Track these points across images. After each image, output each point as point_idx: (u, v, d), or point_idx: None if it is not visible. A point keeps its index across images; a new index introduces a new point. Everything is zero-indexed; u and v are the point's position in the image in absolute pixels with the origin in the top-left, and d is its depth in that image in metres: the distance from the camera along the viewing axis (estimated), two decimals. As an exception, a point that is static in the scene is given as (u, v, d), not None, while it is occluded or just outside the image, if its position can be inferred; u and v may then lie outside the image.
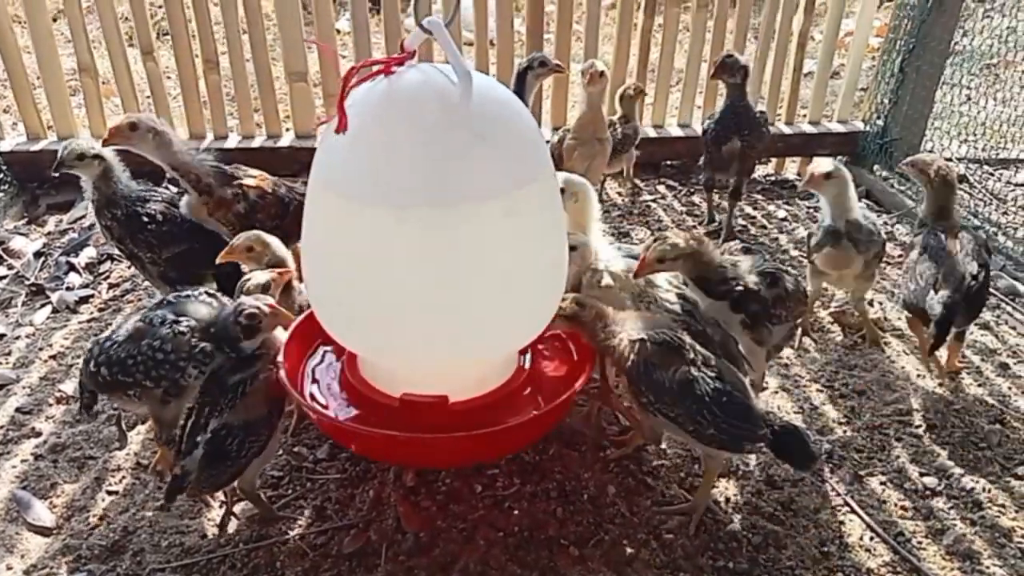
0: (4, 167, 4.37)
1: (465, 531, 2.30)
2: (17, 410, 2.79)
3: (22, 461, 2.58)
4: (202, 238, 2.99)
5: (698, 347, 2.21)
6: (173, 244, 2.97)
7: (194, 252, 2.97)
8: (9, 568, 2.19)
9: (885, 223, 4.57)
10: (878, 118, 5.07)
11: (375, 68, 2.02)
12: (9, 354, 3.12)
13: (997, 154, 5.21)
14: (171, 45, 4.59)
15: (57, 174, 2.96)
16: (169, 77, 5.08)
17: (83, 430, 2.67)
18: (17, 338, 3.23)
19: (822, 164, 3.10)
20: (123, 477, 2.51)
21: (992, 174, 5.19)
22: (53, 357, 3.08)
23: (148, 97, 4.73)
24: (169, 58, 4.89)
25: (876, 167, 5.09)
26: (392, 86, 1.99)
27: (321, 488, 2.46)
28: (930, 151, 5.18)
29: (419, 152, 1.95)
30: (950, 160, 5.16)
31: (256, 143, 4.73)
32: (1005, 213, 4.61)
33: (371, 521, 2.33)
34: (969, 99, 5.09)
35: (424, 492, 2.41)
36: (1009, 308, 3.60)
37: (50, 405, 2.82)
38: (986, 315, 3.52)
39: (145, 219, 2.92)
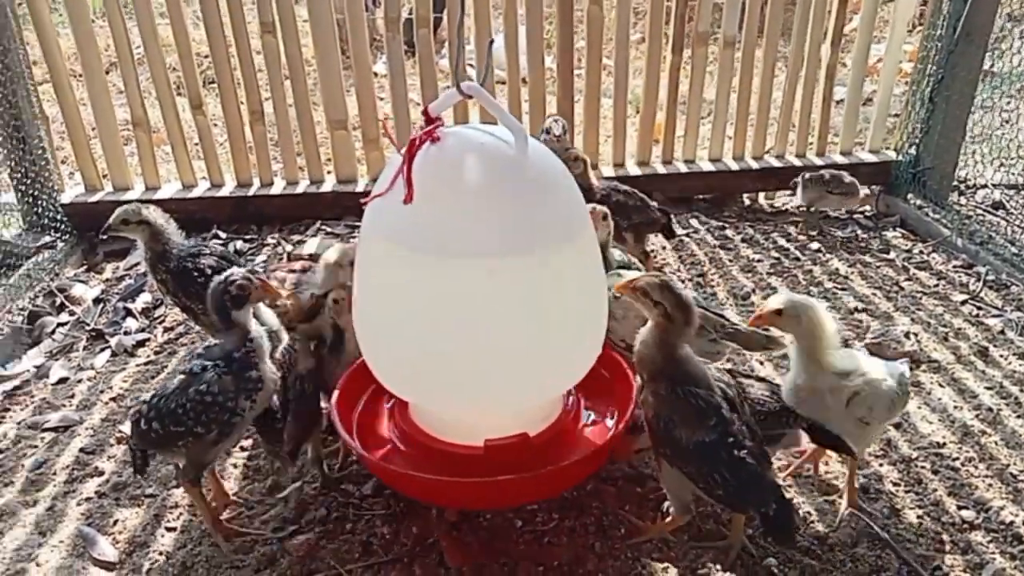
0: (65, 218, 4.60)
1: (507, 566, 2.37)
2: (81, 450, 2.95)
3: (86, 499, 2.72)
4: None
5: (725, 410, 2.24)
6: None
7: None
8: (77, 602, 2.32)
9: (921, 251, 4.59)
10: (910, 147, 5.11)
11: (422, 136, 2.11)
12: (72, 396, 3.29)
13: (1036, 179, 5.21)
14: (217, 93, 4.82)
15: (106, 236, 3.16)
16: (216, 124, 5.31)
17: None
18: (79, 381, 3.41)
19: (773, 299, 2.46)
20: (180, 514, 2.64)
21: (1031, 200, 5.17)
22: (113, 399, 3.24)
23: (197, 144, 4.96)
24: (216, 106, 5.12)
25: (910, 196, 5.10)
26: (444, 151, 2.08)
27: (367, 524, 2.56)
28: (964, 179, 5.21)
29: (482, 207, 2.08)
30: (985, 187, 5.18)
31: (300, 188, 4.92)
32: (1044, 239, 4.58)
33: (415, 556, 2.42)
34: (1007, 122, 5.10)
35: (466, 528, 2.50)
36: (1048, 339, 3.60)
37: (111, 445, 2.97)
38: (1025, 345, 3.53)
39: (195, 273, 3.06)
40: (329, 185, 4.96)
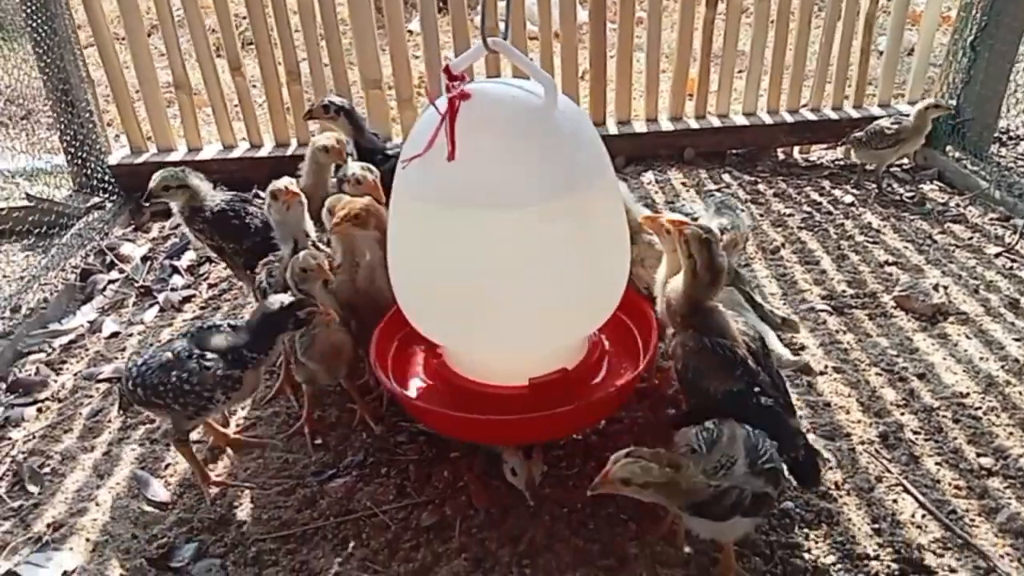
0: (112, 179, 4.78)
1: (532, 507, 2.49)
2: (134, 400, 3.13)
3: (140, 445, 2.90)
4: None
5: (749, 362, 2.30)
6: (252, 235, 3.29)
7: (266, 243, 3.24)
8: (134, 537, 2.50)
9: (957, 204, 4.54)
10: (951, 97, 5.00)
11: (449, 95, 2.16)
12: (124, 349, 3.48)
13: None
14: (255, 54, 4.91)
15: (148, 203, 3.36)
16: (254, 86, 5.41)
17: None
18: (130, 335, 3.59)
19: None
20: (224, 458, 2.81)
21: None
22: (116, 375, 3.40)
23: (236, 106, 5.07)
24: (254, 67, 5.21)
25: (949, 148, 5.01)
26: (476, 107, 2.13)
27: (401, 469, 2.69)
28: (1007, 130, 5.10)
29: (520, 158, 2.15)
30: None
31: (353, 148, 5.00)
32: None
33: (446, 498, 2.55)
34: None
35: (494, 472, 2.62)
36: (1083, 291, 3.56)
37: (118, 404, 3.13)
38: (1057, 300, 3.51)
39: (230, 214, 3.28)
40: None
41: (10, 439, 2.95)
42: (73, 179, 4.74)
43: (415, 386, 2.70)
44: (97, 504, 2.63)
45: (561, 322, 2.39)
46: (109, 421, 3.02)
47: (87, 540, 2.49)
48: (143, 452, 2.86)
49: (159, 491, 2.68)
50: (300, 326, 2.53)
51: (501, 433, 2.53)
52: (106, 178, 4.78)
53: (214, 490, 2.65)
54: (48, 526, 2.55)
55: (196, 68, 4.88)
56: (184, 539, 2.48)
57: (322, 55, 4.85)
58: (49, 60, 4.39)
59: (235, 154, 4.99)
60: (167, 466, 2.79)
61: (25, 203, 4.45)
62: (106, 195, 4.73)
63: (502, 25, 2.51)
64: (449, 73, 2.16)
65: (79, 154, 4.64)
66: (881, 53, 5.47)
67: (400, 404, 2.77)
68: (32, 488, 2.72)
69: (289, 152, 4.99)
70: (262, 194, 4.69)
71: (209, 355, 2.47)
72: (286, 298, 2.53)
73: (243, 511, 2.58)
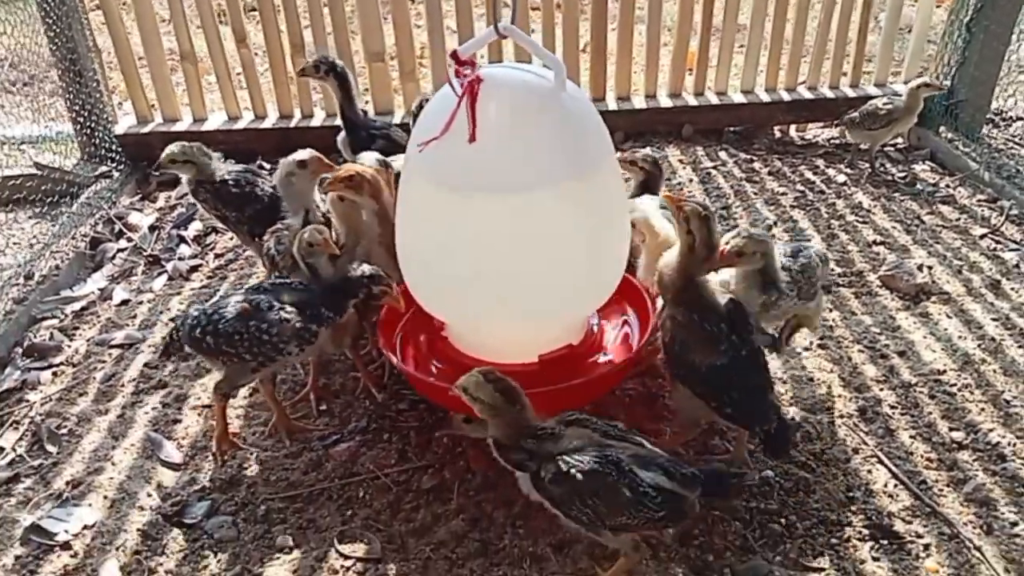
0: (119, 149, 4.86)
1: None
2: (145, 365, 3.25)
3: (153, 408, 3.03)
4: (274, 199, 3.38)
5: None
6: (252, 203, 3.40)
7: (269, 210, 3.36)
8: (149, 496, 2.64)
9: (947, 185, 4.64)
10: (945, 78, 5.07)
11: (466, 80, 2.23)
12: (134, 317, 3.60)
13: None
14: (259, 22, 4.95)
15: (158, 173, 3.40)
16: (257, 54, 5.45)
17: (203, 383, 3.10)
18: (140, 303, 3.71)
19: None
20: (237, 420, 2.94)
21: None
22: (172, 319, 3.53)
23: (239, 74, 5.14)
24: (257, 34, 5.23)
25: (942, 129, 5.10)
26: (491, 91, 2.22)
27: (403, 434, 2.83)
28: (1000, 111, 5.19)
29: (519, 141, 2.25)
30: (1021, 118, 5.15)
31: (339, 120, 5.08)
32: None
33: (445, 463, 2.69)
34: None
35: (491, 439, 2.75)
36: (1065, 272, 3.68)
37: (173, 361, 3.26)
38: (1039, 280, 3.63)
39: (231, 184, 3.39)
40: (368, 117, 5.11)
41: (28, 401, 3.08)
42: (81, 148, 4.83)
43: (425, 365, 2.83)
44: (113, 464, 2.77)
45: (567, 300, 2.51)
46: (122, 385, 3.15)
47: (105, 497, 2.63)
48: (156, 415, 2.99)
49: (172, 452, 2.82)
50: (370, 298, 2.63)
51: None
52: (113, 147, 4.86)
53: (226, 450, 2.78)
54: (67, 483, 2.68)
55: (200, 37, 4.94)
56: (197, 497, 2.62)
57: (326, 27, 4.90)
58: (57, 30, 4.45)
59: (240, 125, 5.07)
60: (180, 429, 2.93)
61: (32, 171, 4.53)
62: (113, 164, 4.82)
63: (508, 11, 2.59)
64: (457, 58, 2.25)
65: (87, 124, 4.73)
66: (880, 29, 5.51)
67: (412, 384, 2.89)
68: (51, 448, 2.85)
69: (293, 123, 5.07)
70: (266, 165, 4.84)
71: (288, 308, 2.59)
72: (369, 269, 2.63)
73: (252, 472, 2.72)
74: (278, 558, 2.39)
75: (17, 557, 2.41)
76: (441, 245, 2.44)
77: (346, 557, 2.38)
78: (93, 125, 4.76)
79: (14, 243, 4.16)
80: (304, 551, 2.41)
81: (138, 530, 2.50)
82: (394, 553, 2.39)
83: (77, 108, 4.66)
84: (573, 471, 2.06)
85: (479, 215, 2.32)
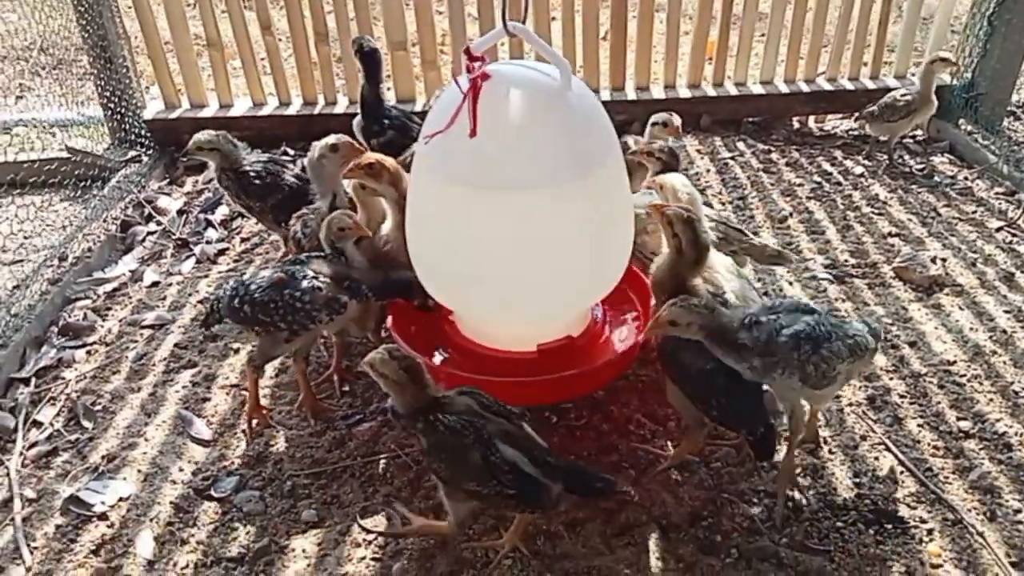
0: (148, 134, 4.98)
1: (542, 454, 2.72)
2: (176, 345, 3.37)
3: (183, 387, 3.14)
4: (295, 189, 3.52)
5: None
6: (274, 194, 3.52)
7: (290, 199, 3.48)
8: (181, 470, 2.76)
9: (966, 178, 4.66)
10: (966, 71, 5.07)
11: (472, 76, 2.30)
12: (164, 299, 3.71)
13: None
14: (282, 6, 5.03)
15: (186, 159, 3.62)
16: (281, 39, 5.52)
17: (230, 363, 3.21)
18: (169, 285, 3.82)
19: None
20: (264, 399, 3.05)
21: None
22: (200, 301, 3.65)
23: (263, 59, 5.23)
24: (281, 19, 5.30)
25: (962, 121, 5.10)
26: (496, 88, 2.29)
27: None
28: (1021, 104, 5.19)
29: (524, 139, 2.33)
30: None
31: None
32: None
33: (464, 443, 2.78)
34: None
35: (508, 421, 2.84)
36: (1078, 264, 3.71)
37: (202, 341, 3.38)
38: (1051, 273, 3.66)
39: (252, 175, 3.51)
40: (390, 103, 5.19)
41: (64, 379, 3.21)
42: (111, 133, 4.95)
43: (436, 353, 2.93)
44: (146, 439, 2.89)
45: (570, 293, 2.59)
46: (153, 364, 3.27)
47: (138, 471, 2.74)
48: (186, 394, 3.11)
49: (202, 429, 2.93)
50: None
51: (516, 394, 2.75)
52: (142, 132, 4.98)
53: (255, 425, 2.89)
54: (103, 457, 2.81)
55: (226, 21, 5.02)
56: (225, 473, 2.74)
57: (348, 14, 4.98)
58: (89, 18, 4.56)
59: (265, 111, 5.17)
60: (209, 407, 3.04)
61: (63, 154, 4.65)
62: (142, 149, 4.94)
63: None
64: (469, 54, 2.31)
65: (117, 109, 4.84)
66: (903, 18, 5.51)
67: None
68: (86, 424, 2.97)
69: (317, 110, 5.16)
70: (291, 151, 4.94)
71: (321, 277, 2.71)
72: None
73: (278, 450, 2.83)
74: (303, 531, 2.50)
75: (58, 526, 2.54)
76: (447, 239, 2.52)
77: (368, 531, 2.48)
78: (123, 111, 4.88)
79: (47, 225, 4.29)
80: (328, 525, 2.52)
81: (171, 503, 2.62)
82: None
83: (108, 94, 4.78)
84: (438, 424, 2.21)
85: (484, 211, 2.39)
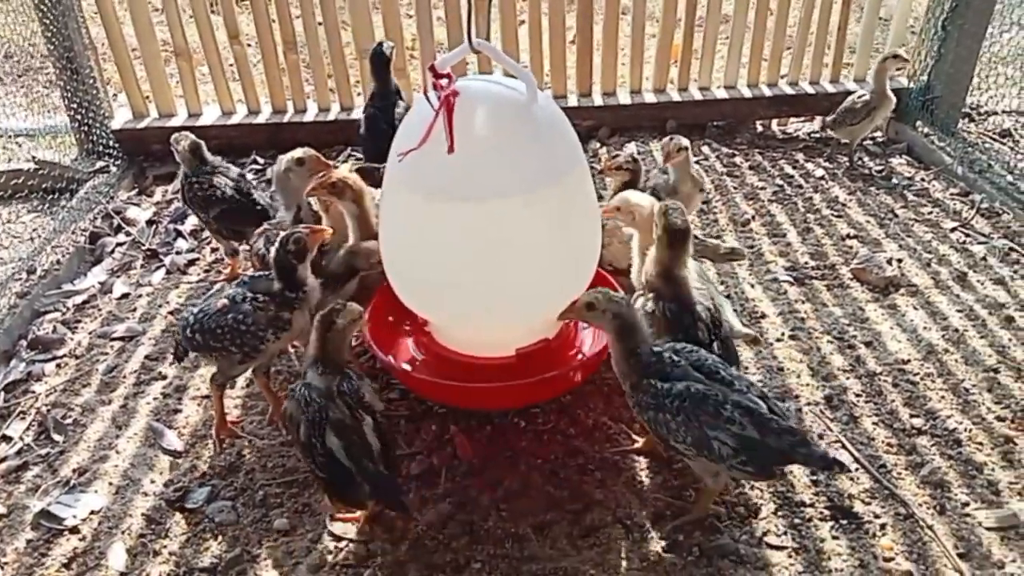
0: (116, 144, 4.97)
1: (510, 458, 2.78)
2: (146, 357, 3.39)
3: (154, 399, 3.16)
4: (236, 203, 3.61)
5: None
6: (214, 205, 3.61)
7: (231, 212, 3.59)
8: (152, 482, 2.78)
9: (922, 179, 4.79)
10: (922, 74, 5.21)
11: (443, 93, 2.34)
12: (135, 310, 3.72)
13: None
14: (250, 12, 5.04)
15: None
16: (250, 45, 5.52)
17: (201, 374, 3.24)
18: (139, 296, 3.83)
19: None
20: (235, 409, 3.08)
21: (1041, 127, 5.29)
22: (171, 312, 3.67)
23: (231, 65, 5.24)
24: (248, 24, 5.29)
25: (919, 124, 5.24)
26: (466, 104, 2.34)
27: (393, 423, 2.97)
28: (977, 106, 5.34)
29: (495, 151, 2.39)
30: (996, 113, 5.31)
31: (331, 116, 5.21)
32: (1044, 167, 4.73)
33: (433, 450, 2.83)
34: None
35: (476, 427, 2.90)
36: (1028, 263, 3.84)
37: (172, 353, 3.39)
38: (1003, 270, 3.78)
39: (195, 186, 3.62)
40: (359, 112, 5.22)
41: (34, 392, 3.22)
42: (78, 144, 4.94)
43: (410, 361, 2.99)
44: (117, 452, 2.91)
45: (542, 298, 2.65)
46: (124, 377, 3.29)
47: (110, 484, 2.77)
48: (157, 406, 3.13)
49: (174, 441, 2.96)
50: (302, 256, 2.73)
51: (498, 399, 2.84)
52: (110, 143, 4.97)
53: (225, 438, 2.92)
54: (74, 471, 2.82)
55: (192, 27, 5.02)
56: (198, 484, 2.77)
57: (317, 20, 5.01)
58: (55, 29, 4.55)
59: (234, 120, 5.18)
60: (180, 418, 3.06)
61: (30, 165, 4.64)
62: (110, 159, 4.94)
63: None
64: (435, 71, 2.36)
65: (84, 120, 4.83)
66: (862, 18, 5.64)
67: (401, 379, 3.04)
68: (57, 437, 2.99)
69: (286, 119, 5.19)
70: (260, 160, 4.96)
71: (261, 297, 2.73)
72: (286, 235, 2.73)
73: (250, 460, 2.86)
74: (276, 540, 2.54)
75: (28, 540, 2.55)
76: (421, 250, 2.58)
77: (339, 539, 2.52)
78: (90, 121, 4.87)
79: (14, 237, 4.28)
80: (300, 533, 2.56)
81: (143, 515, 2.65)
82: (385, 535, 2.53)
83: (75, 105, 4.77)
84: (298, 387, 2.44)
85: (456, 221, 2.45)
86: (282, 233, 2.76)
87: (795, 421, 2.89)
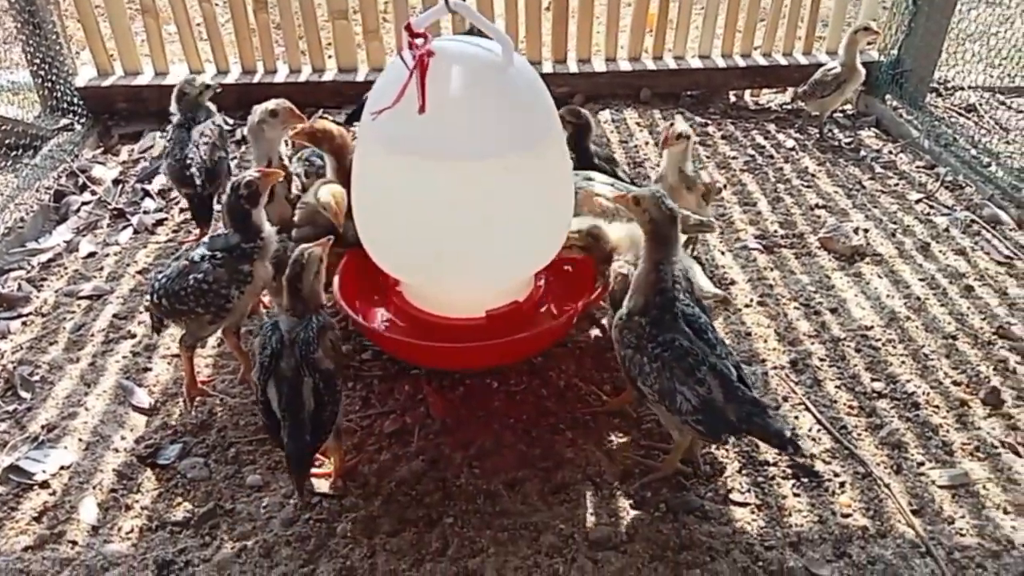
0: (80, 101, 4.86)
1: (483, 417, 2.82)
2: (114, 316, 3.35)
3: (123, 357, 3.14)
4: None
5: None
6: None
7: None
8: (123, 439, 2.78)
9: (890, 152, 4.87)
10: (892, 48, 5.27)
11: (418, 52, 2.33)
12: (102, 269, 3.68)
13: (1012, 82, 5.42)
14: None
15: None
16: (218, 4, 5.42)
17: (169, 333, 3.21)
18: (106, 256, 3.78)
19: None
20: (207, 368, 3.07)
21: (1004, 103, 5.40)
22: (139, 272, 3.63)
23: (199, 24, 5.14)
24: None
25: (888, 97, 5.31)
26: (441, 64, 2.32)
27: (367, 383, 2.99)
28: (945, 81, 5.43)
29: (470, 112, 2.39)
30: (963, 89, 5.40)
31: (303, 77, 5.14)
32: (1007, 142, 4.84)
33: (406, 409, 2.86)
34: (1007, 20, 5.24)
35: (449, 386, 2.93)
36: (988, 235, 3.94)
37: (140, 312, 3.37)
38: (964, 241, 3.88)
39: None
40: (331, 74, 5.18)
41: (-1, 350, 3.18)
42: (41, 101, 4.82)
43: (381, 321, 2.99)
44: (87, 409, 2.89)
45: (516, 260, 2.68)
46: (92, 335, 3.26)
47: (80, 440, 2.75)
48: (126, 363, 3.11)
49: (143, 398, 2.95)
50: (255, 200, 2.68)
51: (468, 359, 2.85)
52: (74, 100, 4.86)
53: (195, 398, 2.91)
54: (42, 427, 2.80)
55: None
56: (169, 441, 2.77)
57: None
58: (16, -20, 4.41)
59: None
60: (150, 376, 3.05)
61: (-8, 122, 4.53)
62: (75, 117, 4.83)
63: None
64: (411, 30, 2.35)
65: (48, 76, 4.71)
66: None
67: (374, 340, 3.04)
68: (24, 394, 2.96)
69: (256, 79, 5.11)
70: (229, 120, 4.88)
71: (219, 255, 2.69)
72: (237, 178, 2.70)
73: (222, 418, 2.86)
74: (248, 495, 2.56)
75: (-3, 495, 2.54)
76: (394, 209, 2.58)
77: (313, 494, 2.55)
78: (53, 78, 4.75)
79: (-25, 194, 4.19)
80: (273, 489, 2.58)
81: (113, 470, 2.64)
82: (358, 490, 2.56)
83: (37, 61, 4.65)
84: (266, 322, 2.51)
85: (428, 181, 2.45)
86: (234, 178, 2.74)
87: (761, 386, 2.97)
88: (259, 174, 2.70)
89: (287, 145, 3.33)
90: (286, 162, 3.18)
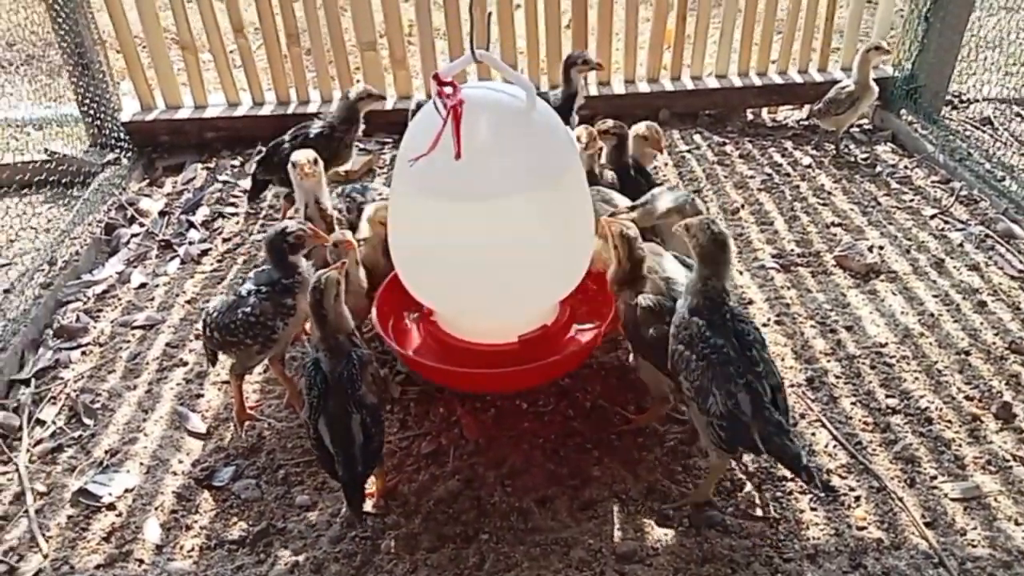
0: (126, 136, 5.12)
1: (513, 438, 2.99)
2: (167, 344, 3.58)
3: (177, 384, 3.36)
4: None
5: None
6: None
7: None
8: (180, 462, 2.99)
9: (906, 167, 4.98)
10: (906, 63, 5.38)
11: (450, 103, 2.51)
12: (153, 299, 3.91)
13: (1031, 93, 5.49)
14: (256, 11, 5.18)
15: None
16: (250, 31, 5.63)
17: (221, 360, 3.40)
18: (157, 286, 4.01)
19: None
20: (254, 394, 3.28)
21: (1020, 115, 5.47)
22: (188, 302, 3.85)
23: (232, 51, 5.38)
24: (248, 6, 5.42)
25: (903, 112, 5.42)
26: (469, 111, 2.49)
27: (404, 405, 3.17)
28: (959, 93, 5.52)
29: (499, 156, 2.58)
30: (978, 101, 5.49)
31: (334, 106, 5.34)
32: (1022, 155, 4.92)
33: (441, 430, 3.04)
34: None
35: (482, 408, 3.11)
36: (1002, 250, 4.04)
37: (191, 340, 3.59)
38: (978, 256, 3.99)
39: None
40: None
41: (62, 379, 3.40)
42: (90, 136, 5.08)
43: (417, 349, 3.17)
44: (145, 434, 3.11)
45: (541, 289, 2.85)
46: (147, 363, 3.48)
47: (141, 464, 2.97)
48: (180, 390, 3.32)
49: (198, 424, 3.16)
50: (296, 249, 2.93)
51: (507, 383, 3.04)
52: (120, 135, 5.12)
53: (245, 422, 3.12)
54: (106, 452, 3.02)
55: (194, 11, 5.14)
56: (223, 463, 2.97)
57: (317, 4, 5.15)
58: (66, 26, 4.68)
59: (239, 112, 5.33)
60: (203, 403, 3.26)
61: (43, 157, 4.79)
62: (121, 151, 5.09)
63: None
64: (439, 79, 2.53)
65: (98, 113, 4.97)
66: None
67: (413, 368, 3.23)
68: (87, 421, 3.18)
69: (291, 110, 5.34)
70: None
71: (263, 289, 2.92)
72: (288, 225, 2.94)
73: (270, 441, 3.06)
74: (298, 514, 2.75)
75: (69, 517, 2.76)
76: (429, 247, 2.77)
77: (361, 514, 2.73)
78: (102, 115, 5.02)
79: (31, 228, 4.44)
80: (321, 508, 2.77)
81: (173, 492, 2.85)
82: (399, 509, 2.75)
83: (87, 100, 4.91)
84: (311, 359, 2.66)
85: (462, 219, 2.64)
86: (285, 223, 2.97)
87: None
88: (310, 232, 2.93)
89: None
90: (326, 206, 3.35)
